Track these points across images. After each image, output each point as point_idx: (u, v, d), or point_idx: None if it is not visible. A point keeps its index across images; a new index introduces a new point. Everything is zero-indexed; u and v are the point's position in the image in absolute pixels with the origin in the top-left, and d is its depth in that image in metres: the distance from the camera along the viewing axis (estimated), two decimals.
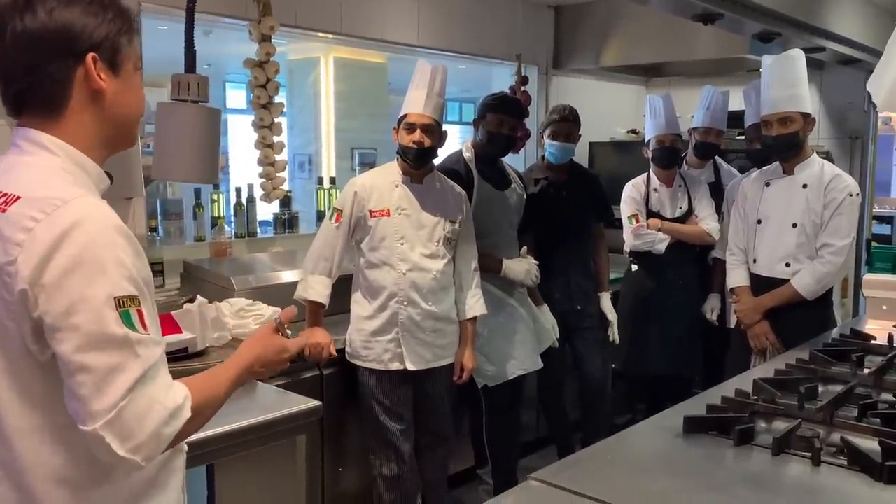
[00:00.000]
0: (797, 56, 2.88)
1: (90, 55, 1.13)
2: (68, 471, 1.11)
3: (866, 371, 2.13)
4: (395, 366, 2.71)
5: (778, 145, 2.91)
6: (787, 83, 2.85)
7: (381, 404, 2.74)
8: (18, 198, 1.08)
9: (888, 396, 1.96)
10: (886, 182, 8.99)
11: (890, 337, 2.44)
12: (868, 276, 1.50)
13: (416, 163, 2.73)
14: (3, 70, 1.12)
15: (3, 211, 1.08)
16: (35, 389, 1.09)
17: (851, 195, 2.86)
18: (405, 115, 2.71)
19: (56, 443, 1.10)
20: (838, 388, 1.95)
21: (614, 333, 3.55)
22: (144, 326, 1.08)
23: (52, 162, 1.13)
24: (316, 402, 2.14)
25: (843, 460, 1.57)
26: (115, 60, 1.16)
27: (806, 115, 2.87)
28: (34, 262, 1.03)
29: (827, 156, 4.61)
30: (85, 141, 1.16)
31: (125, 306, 1.06)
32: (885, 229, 7.93)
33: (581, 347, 3.54)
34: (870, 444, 1.60)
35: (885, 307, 1.44)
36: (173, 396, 1.10)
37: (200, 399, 1.15)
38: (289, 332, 1.41)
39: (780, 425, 1.74)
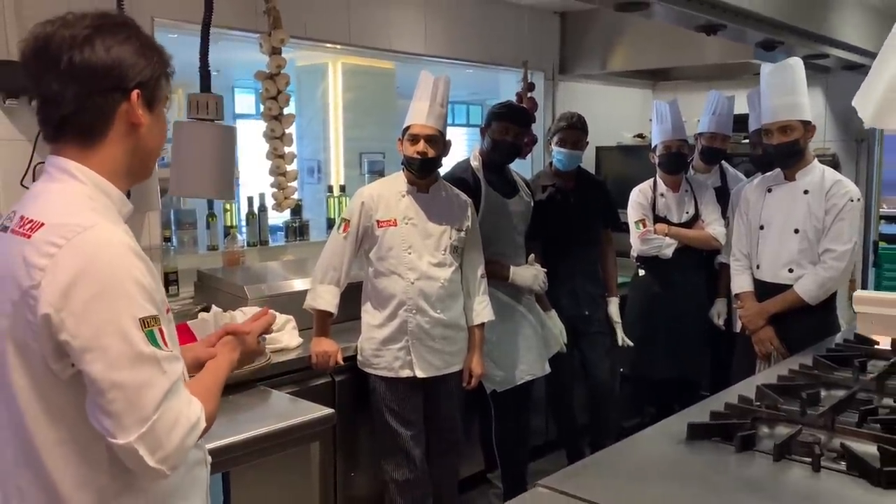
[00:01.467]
0: (795, 64, 2.92)
1: (136, 91, 1.21)
2: (94, 479, 1.17)
3: (869, 376, 2.16)
4: (406, 373, 2.77)
5: (779, 153, 2.94)
6: (785, 91, 2.89)
7: (391, 410, 2.79)
8: (42, 224, 1.14)
9: (889, 402, 2.00)
10: (895, 182, 8.98)
11: (893, 342, 2.46)
12: (858, 293, 1.54)
13: (421, 173, 2.78)
14: (51, 95, 1.19)
15: (28, 237, 1.14)
16: (59, 404, 1.16)
17: (852, 200, 2.90)
18: (409, 127, 2.77)
19: (81, 454, 1.17)
20: (840, 394, 1.99)
21: (622, 337, 3.58)
22: (166, 344, 1.15)
23: (77, 189, 1.19)
24: (329, 410, 2.20)
25: (843, 465, 1.61)
26: (153, 99, 1.25)
27: (806, 123, 2.90)
28: (59, 288, 1.09)
29: (833, 158, 4.63)
30: (112, 170, 1.22)
31: (149, 326, 1.12)
32: (893, 229, 7.93)
33: (589, 352, 3.58)
34: (869, 450, 1.64)
35: (873, 323, 1.48)
36: (194, 409, 1.18)
37: (208, 409, 1.23)
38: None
39: (783, 431, 1.79)
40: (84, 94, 1.18)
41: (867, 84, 1.43)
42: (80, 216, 1.14)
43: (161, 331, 1.14)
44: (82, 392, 1.13)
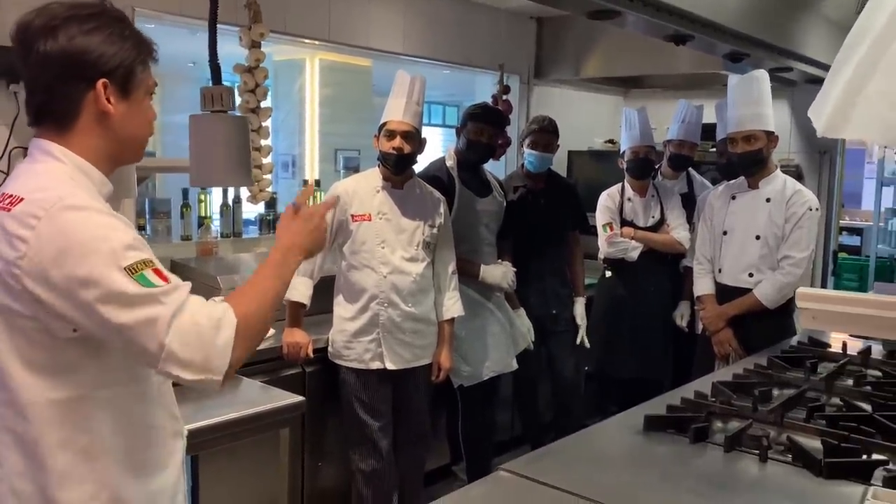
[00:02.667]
0: (761, 76, 3.04)
1: (101, 81, 1.24)
2: (75, 440, 1.21)
3: (819, 377, 2.26)
4: (376, 365, 2.82)
5: (743, 162, 3.06)
6: (751, 102, 3.00)
7: (361, 401, 2.84)
8: (22, 199, 1.18)
9: (836, 400, 2.10)
10: (857, 194, 9.24)
11: (843, 345, 2.58)
12: (801, 290, 1.64)
13: (396, 168, 2.84)
14: (27, 85, 1.25)
15: (9, 210, 1.18)
16: (47, 366, 1.19)
17: (811, 210, 3.02)
18: (385, 123, 2.83)
19: (64, 415, 1.20)
20: (791, 392, 2.08)
21: (581, 336, 3.67)
22: (163, 278, 1.18)
23: (58, 168, 1.23)
24: (300, 398, 2.24)
25: (789, 457, 1.70)
26: (127, 86, 1.27)
27: (769, 133, 3.02)
28: (45, 258, 1.13)
29: (797, 169, 4.76)
30: (91, 154, 1.26)
31: (138, 271, 1.15)
32: (854, 241, 8.16)
33: (555, 350, 3.67)
34: (814, 444, 1.72)
35: (814, 317, 1.58)
36: (211, 310, 1.20)
37: (243, 303, 1.23)
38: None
39: (734, 425, 1.87)
40: (51, 84, 1.22)
41: (821, 95, 1.52)
42: (59, 190, 1.18)
43: (154, 270, 1.17)
44: (76, 352, 1.18)
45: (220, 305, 1.22)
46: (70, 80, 1.22)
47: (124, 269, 1.14)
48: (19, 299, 1.16)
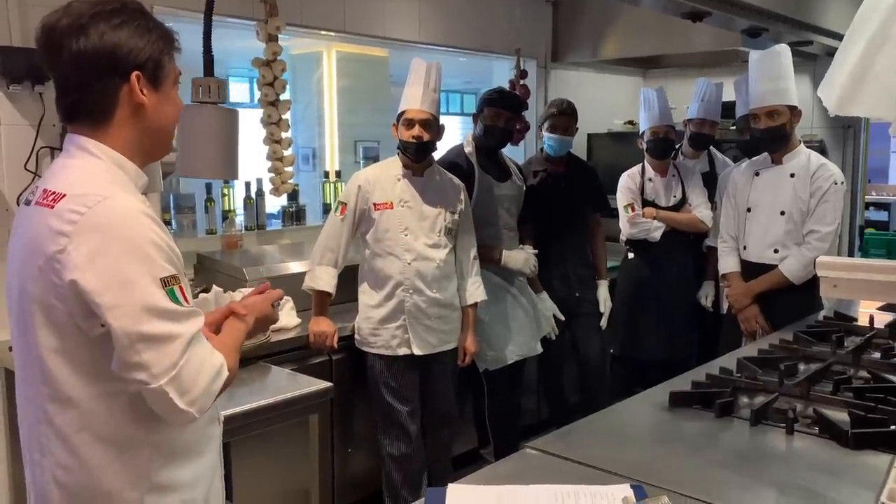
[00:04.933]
0: (782, 51, 3.00)
1: (134, 73, 1.26)
2: (114, 432, 1.25)
3: (845, 350, 2.25)
4: (403, 351, 2.85)
5: (766, 137, 3.03)
6: (773, 77, 2.97)
7: (389, 387, 2.87)
8: (64, 195, 1.21)
9: (863, 373, 2.09)
10: (884, 169, 9.09)
11: (870, 318, 2.56)
12: (821, 259, 1.63)
13: (416, 156, 2.86)
14: (59, 83, 1.27)
15: (52, 207, 1.21)
16: (85, 361, 1.23)
17: (836, 183, 2.98)
18: (403, 112, 2.84)
19: (104, 408, 1.24)
20: (818, 366, 2.08)
21: (604, 321, 3.67)
22: (186, 300, 1.23)
23: (95, 164, 1.26)
24: (328, 383, 2.28)
25: (816, 430, 1.70)
26: (157, 77, 1.30)
27: (792, 108, 2.99)
28: (84, 253, 1.16)
29: (820, 145, 4.71)
30: (125, 147, 1.29)
31: (169, 285, 1.20)
32: (881, 216, 8.03)
33: (580, 333, 3.67)
34: (841, 416, 1.72)
35: (835, 286, 1.57)
36: (217, 357, 1.27)
37: (229, 363, 1.30)
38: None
39: (760, 400, 1.87)
40: (86, 81, 1.24)
41: (830, 73, 1.50)
42: (99, 187, 1.21)
43: (181, 288, 1.22)
44: (108, 348, 1.20)
45: (218, 355, 1.27)
46: (105, 76, 1.25)
47: (160, 279, 1.19)
48: (59, 295, 1.19)
